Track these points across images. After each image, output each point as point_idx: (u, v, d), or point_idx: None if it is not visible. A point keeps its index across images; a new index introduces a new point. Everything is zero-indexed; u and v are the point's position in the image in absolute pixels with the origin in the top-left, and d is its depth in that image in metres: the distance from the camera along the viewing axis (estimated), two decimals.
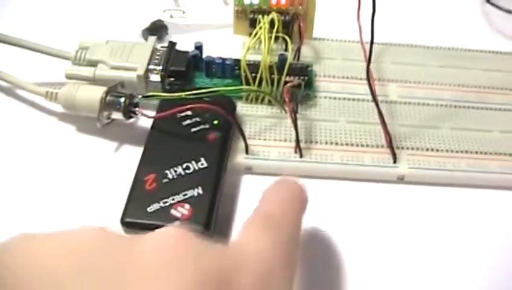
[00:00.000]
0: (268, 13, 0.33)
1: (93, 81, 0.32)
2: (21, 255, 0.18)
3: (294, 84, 0.30)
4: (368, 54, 0.28)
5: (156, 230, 0.18)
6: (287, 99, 0.29)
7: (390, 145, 0.30)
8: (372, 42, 0.28)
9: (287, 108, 0.30)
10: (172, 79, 0.32)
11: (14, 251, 0.18)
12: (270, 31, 0.32)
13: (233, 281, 0.18)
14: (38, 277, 0.17)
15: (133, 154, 0.30)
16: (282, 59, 0.31)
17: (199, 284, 0.17)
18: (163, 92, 0.31)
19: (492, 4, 0.41)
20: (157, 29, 0.36)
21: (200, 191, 0.27)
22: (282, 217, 0.22)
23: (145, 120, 0.31)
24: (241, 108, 0.32)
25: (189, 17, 0.38)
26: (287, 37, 0.32)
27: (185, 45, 0.33)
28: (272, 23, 0.32)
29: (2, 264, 0.18)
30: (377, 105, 0.29)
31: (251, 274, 0.18)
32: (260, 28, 0.31)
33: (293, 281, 0.20)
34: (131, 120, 0.31)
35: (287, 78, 0.31)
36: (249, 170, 0.30)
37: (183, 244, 0.18)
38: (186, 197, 0.27)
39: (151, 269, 0.17)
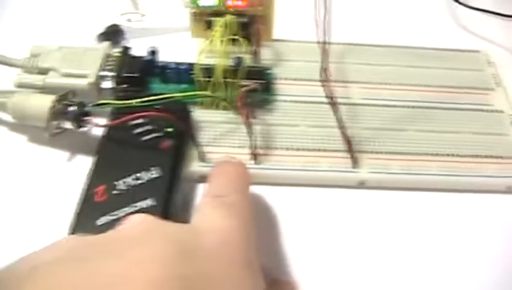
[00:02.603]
0: (225, 15, 0.32)
1: (44, 89, 0.31)
2: None
3: (250, 89, 0.29)
4: (322, 55, 0.27)
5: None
6: (239, 104, 0.28)
7: (349, 149, 0.29)
8: (325, 43, 0.27)
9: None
10: (126, 85, 0.31)
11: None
12: (230, 34, 0.31)
13: (194, 249, 0.20)
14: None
15: (86, 164, 0.28)
16: (238, 63, 0.30)
17: (165, 251, 0.19)
18: (116, 99, 0.30)
19: (458, 1, 0.40)
20: (112, 33, 0.35)
21: (152, 202, 0.26)
22: (231, 195, 0.24)
23: (99, 129, 0.30)
24: (198, 114, 0.31)
25: (148, 21, 0.37)
26: (243, 40, 0.31)
27: (143, 49, 0.32)
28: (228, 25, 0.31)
29: None
30: (334, 108, 0.28)
31: (209, 242, 0.20)
32: (215, 31, 0.30)
33: (252, 244, 0.22)
34: (83, 129, 0.30)
35: (244, 82, 0.30)
36: (204, 179, 0.29)
37: (148, 222, 0.21)
38: (136, 209, 0.26)
39: (121, 243, 0.19)
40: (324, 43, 0.27)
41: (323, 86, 0.28)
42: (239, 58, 0.30)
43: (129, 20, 0.36)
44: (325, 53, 0.27)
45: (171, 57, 0.32)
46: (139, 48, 0.33)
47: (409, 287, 0.26)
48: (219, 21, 0.31)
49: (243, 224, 0.22)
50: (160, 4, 0.38)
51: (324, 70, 0.27)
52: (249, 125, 0.28)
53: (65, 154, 0.30)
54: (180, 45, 0.34)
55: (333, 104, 0.28)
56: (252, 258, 0.21)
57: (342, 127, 0.29)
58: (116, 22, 0.36)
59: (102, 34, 0.35)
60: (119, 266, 0.18)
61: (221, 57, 0.29)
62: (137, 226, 0.20)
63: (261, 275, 0.21)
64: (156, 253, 0.19)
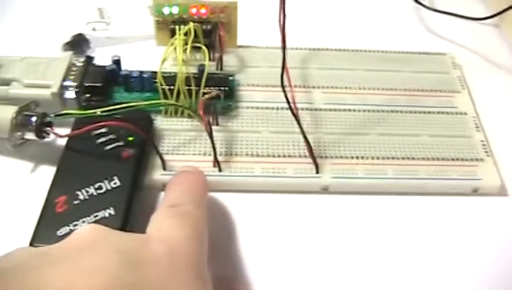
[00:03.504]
0: (189, 23, 0.32)
1: (7, 100, 0.30)
2: None
3: (211, 96, 0.29)
4: (282, 60, 0.27)
5: None
6: (201, 112, 0.28)
7: (311, 154, 0.29)
8: (284, 48, 0.27)
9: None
10: (89, 95, 0.31)
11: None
12: (193, 41, 0.31)
13: (141, 257, 0.20)
14: None
15: (50, 174, 0.28)
16: (201, 70, 0.30)
17: (111, 260, 0.19)
18: (79, 109, 0.30)
19: (421, 4, 0.40)
20: (77, 43, 0.35)
21: (112, 212, 0.26)
22: (186, 204, 0.24)
23: (63, 139, 0.30)
24: (161, 122, 0.31)
25: (114, 29, 0.37)
26: (204, 47, 0.31)
27: (108, 58, 0.32)
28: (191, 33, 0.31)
29: None
30: (293, 113, 0.28)
31: (158, 251, 0.20)
32: (176, 39, 0.30)
33: (204, 254, 0.22)
34: (47, 139, 0.30)
35: (207, 90, 0.30)
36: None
37: (96, 232, 0.21)
38: (97, 218, 0.26)
39: (69, 252, 0.20)
40: (283, 48, 0.27)
41: (284, 91, 0.28)
42: (202, 65, 0.31)
43: (94, 29, 0.36)
44: (284, 58, 0.27)
45: (136, 66, 0.32)
46: (104, 57, 0.33)
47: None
48: (181, 28, 0.31)
49: (195, 234, 0.22)
50: (125, 13, 0.38)
51: (283, 76, 0.27)
52: (210, 133, 0.28)
53: (28, 165, 0.30)
54: (145, 53, 0.34)
55: (291, 109, 0.28)
56: (201, 268, 0.21)
57: (303, 132, 0.29)
58: (82, 31, 0.36)
59: (67, 43, 0.35)
60: (66, 274, 0.18)
61: (182, 64, 0.29)
62: (86, 235, 0.21)
63: (211, 285, 0.21)
64: (101, 262, 0.19)
